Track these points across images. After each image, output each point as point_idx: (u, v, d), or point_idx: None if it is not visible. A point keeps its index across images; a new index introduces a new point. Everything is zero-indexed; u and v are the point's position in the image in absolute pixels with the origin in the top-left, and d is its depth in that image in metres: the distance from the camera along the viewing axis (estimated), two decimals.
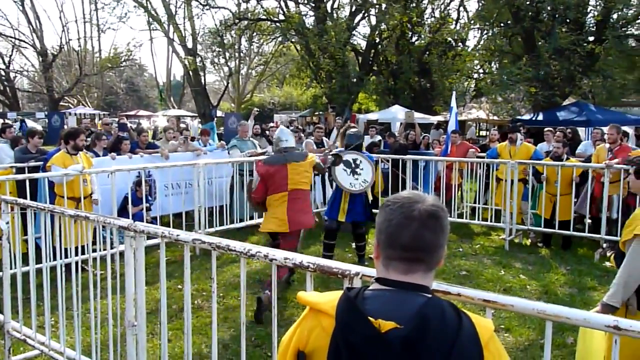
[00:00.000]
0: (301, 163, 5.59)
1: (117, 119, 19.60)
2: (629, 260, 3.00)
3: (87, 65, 34.56)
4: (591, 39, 20.06)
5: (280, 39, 25.29)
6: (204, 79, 26.44)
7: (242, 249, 2.48)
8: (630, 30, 22.04)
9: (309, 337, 1.29)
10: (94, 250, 4.31)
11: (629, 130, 14.11)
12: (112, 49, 35.95)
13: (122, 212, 6.78)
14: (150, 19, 25.29)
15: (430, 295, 1.25)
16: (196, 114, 29.28)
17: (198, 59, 25.27)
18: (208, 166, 7.47)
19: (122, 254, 3.19)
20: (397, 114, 18.95)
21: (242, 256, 2.51)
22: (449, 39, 23.20)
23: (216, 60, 28.15)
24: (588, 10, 21.30)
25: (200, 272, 6.24)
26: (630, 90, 23.77)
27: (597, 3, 21.26)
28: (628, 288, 3.00)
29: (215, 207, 7.69)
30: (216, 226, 7.57)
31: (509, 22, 21.60)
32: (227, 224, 7.73)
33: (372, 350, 1.16)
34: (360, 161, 6.79)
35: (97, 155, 7.70)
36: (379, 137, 11.85)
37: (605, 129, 7.85)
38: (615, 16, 21.00)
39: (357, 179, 6.68)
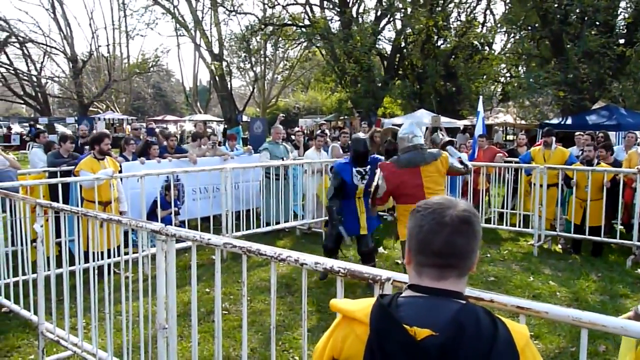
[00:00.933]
0: (434, 163, 4.91)
1: (145, 124, 19.94)
2: None
3: (115, 71, 35.24)
4: (621, 41, 19.66)
5: (305, 44, 25.42)
6: (230, 84, 26.70)
7: (273, 253, 2.50)
8: None
9: (343, 344, 1.29)
10: (126, 254, 4.39)
11: None
12: (140, 55, 36.62)
13: (151, 215, 6.88)
14: (178, 25, 25.69)
15: (464, 302, 1.24)
16: (222, 119, 29.57)
17: (224, 64, 25.55)
18: (235, 170, 7.54)
19: (152, 256, 3.24)
20: (422, 118, 18.86)
21: (272, 260, 2.53)
22: (475, 42, 23.03)
23: (242, 65, 28.42)
24: (618, 13, 20.89)
25: (228, 276, 6.28)
26: None
27: (628, 5, 20.83)
28: None
29: (242, 211, 7.75)
30: (243, 230, 7.62)
31: (536, 25, 21.31)
32: (253, 228, 7.79)
33: (408, 358, 1.16)
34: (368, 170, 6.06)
35: (127, 160, 7.84)
36: None
37: (639, 133, 7.69)
38: None
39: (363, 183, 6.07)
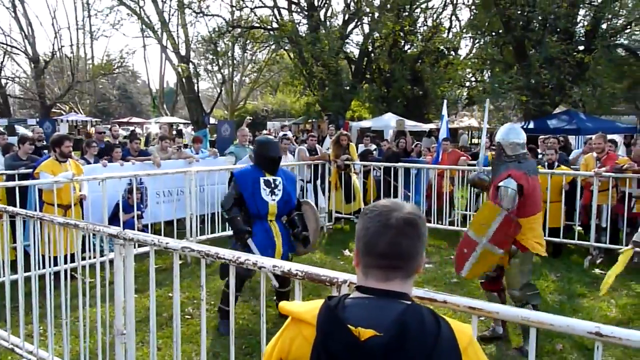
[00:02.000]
0: None
1: (109, 126, 19.59)
2: None
3: (79, 72, 34.49)
4: (581, 48, 20.27)
5: (273, 46, 25.40)
6: (197, 87, 26.47)
7: (231, 257, 2.49)
8: (619, 40, 22.31)
9: (291, 346, 1.30)
10: (84, 258, 4.30)
11: (618, 138, 14.26)
12: (104, 56, 35.94)
13: (114, 219, 6.76)
14: (144, 26, 25.33)
15: (409, 302, 1.26)
16: (189, 121, 29.26)
17: (191, 66, 25.31)
18: (200, 173, 7.48)
19: (112, 261, 3.19)
20: (389, 121, 19.06)
21: (231, 264, 2.52)
22: (441, 47, 23.38)
23: (209, 67, 28.20)
24: (578, 20, 21.53)
25: (192, 280, 6.22)
26: (620, 99, 23.99)
27: (587, 13, 21.50)
28: None
29: (208, 214, 7.69)
30: (208, 234, 7.56)
31: (500, 31, 21.78)
32: (219, 232, 7.72)
33: (352, 359, 1.17)
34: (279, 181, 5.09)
35: (88, 163, 7.69)
36: (374, 146, 11.91)
37: (617, 137, 7.93)
38: (604, 26, 21.25)
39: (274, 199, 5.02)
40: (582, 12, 21.55)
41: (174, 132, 24.58)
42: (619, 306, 5.64)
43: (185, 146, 11.93)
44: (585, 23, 21.42)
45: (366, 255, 1.30)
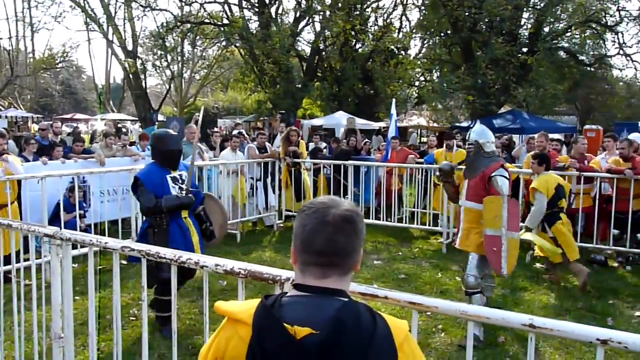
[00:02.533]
0: None
1: (51, 123, 18.86)
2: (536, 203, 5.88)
3: (19, 65, 32.99)
4: (524, 50, 21.01)
5: (224, 43, 25.09)
6: (145, 82, 25.85)
7: (172, 256, 2.43)
8: (560, 43, 23.25)
9: (227, 346, 1.28)
10: (21, 260, 4.11)
11: (560, 137, 14.83)
12: (46, 50, 34.51)
13: (55, 219, 6.51)
14: (88, 20, 24.52)
15: (346, 299, 1.26)
16: (137, 118, 28.54)
17: (138, 62, 24.69)
18: None
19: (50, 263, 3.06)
20: (341, 120, 19.16)
21: (172, 263, 2.46)
22: (392, 47, 23.68)
23: (158, 63, 27.57)
24: (522, 23, 22.31)
25: (137, 281, 6.05)
26: (561, 99, 25.01)
27: (530, 16, 22.29)
28: (536, 218, 5.77)
29: None
30: None
31: (448, 32, 22.31)
32: None
33: (288, 358, 1.16)
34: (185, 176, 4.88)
35: (27, 160, 7.38)
36: (324, 144, 11.94)
37: (535, 136, 8.22)
38: (546, 29, 22.10)
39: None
40: (525, 15, 22.34)
41: (114, 130, 23.94)
42: (558, 298, 5.86)
43: (132, 144, 11.63)
44: (529, 26, 22.23)
45: (303, 253, 1.29)
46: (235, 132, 11.45)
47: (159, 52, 24.94)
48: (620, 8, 21.85)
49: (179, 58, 27.79)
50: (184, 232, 4.77)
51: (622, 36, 23.04)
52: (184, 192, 4.70)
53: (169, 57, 26.66)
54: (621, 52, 23.27)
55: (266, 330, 1.20)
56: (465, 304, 1.86)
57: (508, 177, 4.76)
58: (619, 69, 25.92)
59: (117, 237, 6.55)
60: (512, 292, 6.08)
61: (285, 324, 1.19)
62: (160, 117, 27.65)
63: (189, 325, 4.93)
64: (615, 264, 7.17)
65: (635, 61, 23.59)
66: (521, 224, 5.52)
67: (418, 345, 1.32)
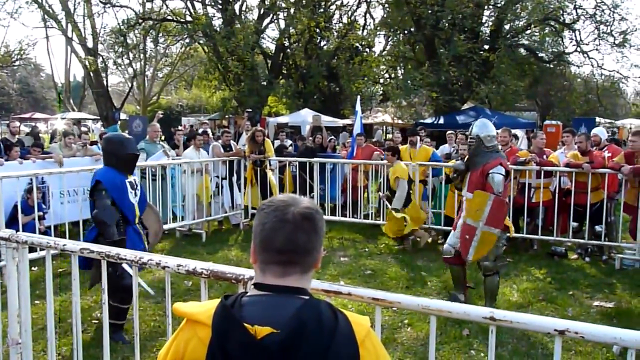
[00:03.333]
0: None
1: (8, 122, 18.28)
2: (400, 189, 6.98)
3: None
4: (486, 47, 21.40)
5: (187, 40, 24.75)
6: (106, 80, 25.28)
7: (134, 257, 2.38)
8: (521, 40, 23.77)
9: (186, 349, 1.25)
10: None
11: (520, 133, 15.19)
12: (2, 47, 33.38)
13: (13, 222, 6.30)
14: (46, 16, 23.82)
15: (307, 297, 1.25)
16: (98, 117, 27.91)
17: (99, 60, 24.12)
18: None
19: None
20: (306, 117, 19.16)
21: (133, 264, 2.41)
22: (356, 44, 23.79)
23: (119, 61, 26.98)
24: (483, 21, 22.72)
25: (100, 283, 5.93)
26: (522, 95, 25.58)
27: (491, 14, 22.72)
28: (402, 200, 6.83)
29: None
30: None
31: (411, 29, 22.54)
32: None
33: (248, 358, 1.15)
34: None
35: None
36: (289, 142, 11.91)
37: (518, 132, 8.36)
38: (507, 27, 22.56)
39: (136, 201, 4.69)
40: (486, 12, 22.77)
41: (83, 129, 23.37)
42: (520, 291, 5.98)
43: (94, 143, 11.36)
44: (490, 23, 22.64)
45: (263, 251, 1.28)
46: (200, 130, 11.31)
47: (120, 49, 24.42)
48: (577, 6, 22.46)
49: (141, 56, 27.27)
50: (141, 239, 4.62)
51: (579, 34, 23.65)
52: (136, 197, 4.59)
53: (130, 55, 26.15)
54: (578, 49, 23.91)
55: (226, 331, 1.18)
56: (427, 298, 1.88)
57: (505, 174, 5.09)
58: (577, 65, 26.54)
59: (78, 239, 6.39)
60: (477, 285, 6.17)
61: (245, 324, 1.17)
62: (123, 116, 27.09)
63: (153, 327, 4.85)
64: (575, 256, 7.36)
65: (592, 58, 24.27)
66: (390, 205, 7.36)
67: (380, 341, 1.32)
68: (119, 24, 23.72)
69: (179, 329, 1.31)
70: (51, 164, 7.63)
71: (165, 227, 7.96)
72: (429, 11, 20.16)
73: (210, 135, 11.85)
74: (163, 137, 10.09)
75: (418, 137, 8.69)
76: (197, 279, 2.31)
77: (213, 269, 2.16)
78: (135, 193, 4.61)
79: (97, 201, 4.38)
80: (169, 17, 23.28)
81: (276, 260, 1.27)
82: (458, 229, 5.35)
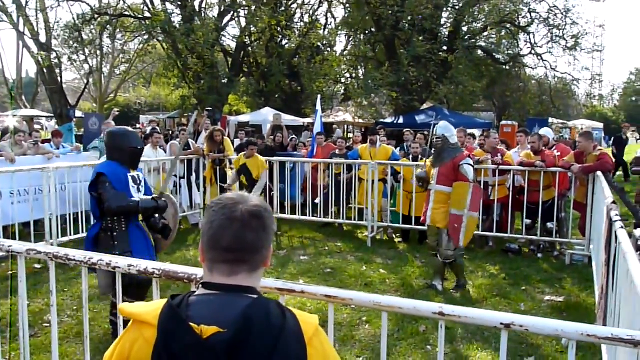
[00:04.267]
0: None
1: None
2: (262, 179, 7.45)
3: None
4: (445, 48, 21.76)
5: (146, 37, 24.24)
6: (61, 77, 24.50)
7: (83, 258, 2.32)
8: (478, 42, 24.28)
9: (131, 350, 1.23)
10: None
11: (478, 132, 15.50)
12: None
13: None
14: None
15: (256, 296, 1.25)
16: (52, 114, 27.06)
17: (53, 55, 23.36)
18: (60, 170, 6.94)
19: None
20: (268, 116, 19.04)
21: (82, 265, 2.36)
22: (318, 43, 23.80)
23: (74, 57, 26.20)
24: (442, 22, 23.10)
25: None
26: (479, 96, 26.14)
27: (450, 16, 23.12)
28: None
29: (70, 214, 7.17)
30: (71, 235, 7.06)
31: (372, 29, 22.72)
32: (83, 232, 7.22)
33: (193, 358, 1.13)
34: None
35: None
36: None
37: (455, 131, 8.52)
38: (464, 29, 23.01)
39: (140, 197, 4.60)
40: (445, 14, 23.15)
41: (36, 126, 22.65)
42: (476, 287, 6.12)
43: (46, 141, 11.02)
44: (449, 25, 23.04)
45: (211, 250, 1.27)
46: (148, 129, 11.10)
47: (75, 45, 23.70)
48: (531, 10, 23.07)
49: (98, 52, 26.58)
50: (145, 236, 4.54)
51: (534, 37, 24.31)
52: (140, 192, 4.49)
53: (86, 51, 25.43)
54: (533, 52, 24.57)
55: (172, 331, 1.16)
56: (379, 295, 1.90)
57: (473, 164, 5.92)
58: (532, 67, 27.27)
59: (29, 241, 6.19)
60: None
61: (191, 324, 1.16)
62: (79, 114, 26.37)
63: (107, 330, 4.74)
64: (528, 252, 7.58)
65: (545, 61, 24.97)
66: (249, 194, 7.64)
67: (329, 340, 1.32)
68: (73, 18, 22.98)
69: (125, 330, 1.29)
70: (1, 162, 7.37)
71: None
72: (389, 12, 20.34)
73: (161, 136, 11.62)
74: None
75: (378, 137, 8.77)
76: (162, 281, 2.26)
77: (165, 268, 2.13)
78: (139, 188, 4.52)
79: (104, 193, 4.24)
80: (126, 13, 22.71)
81: (224, 259, 1.25)
82: (428, 220, 6.02)
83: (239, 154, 9.61)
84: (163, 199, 4.55)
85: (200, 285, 1.29)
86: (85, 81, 28.20)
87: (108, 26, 22.67)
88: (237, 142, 10.77)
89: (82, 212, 7.29)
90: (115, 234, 4.34)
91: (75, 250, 2.42)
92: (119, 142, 4.48)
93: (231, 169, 9.24)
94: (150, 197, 4.48)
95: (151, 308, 1.24)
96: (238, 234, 1.24)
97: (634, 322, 2.26)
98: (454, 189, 5.78)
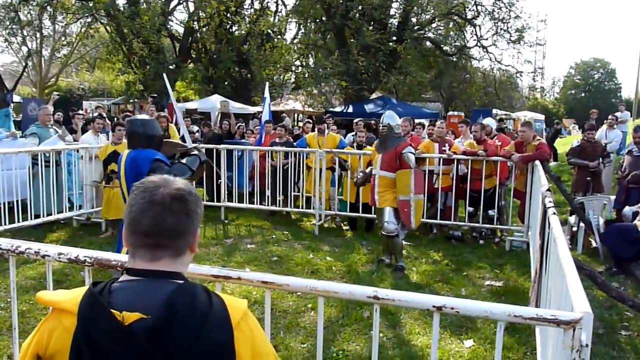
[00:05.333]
0: None
1: None
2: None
3: None
4: (394, 38, 22.01)
5: (88, 19, 23.34)
6: None
7: (9, 246, 2.22)
8: (427, 34, 24.68)
9: (50, 339, 1.18)
10: None
11: (425, 122, 15.78)
12: None
13: None
14: None
15: (181, 282, 1.22)
16: None
17: None
18: None
19: None
20: (216, 103, 18.73)
21: (9, 254, 2.25)
22: (268, 30, 23.58)
23: (12, 38, 24.99)
24: (391, 13, 23.32)
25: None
26: (427, 87, 26.62)
27: (399, 6, 23.36)
28: None
29: (4, 203, 6.85)
30: (5, 224, 6.76)
31: (323, 18, 22.69)
32: (19, 222, 6.94)
33: (115, 346, 1.10)
34: None
35: None
36: (196, 127, 11.62)
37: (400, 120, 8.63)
38: (413, 19, 23.32)
39: None
40: (395, 5, 23.37)
41: None
42: (420, 273, 6.26)
43: None
44: (398, 15, 23.28)
45: (131, 234, 1.23)
46: (95, 114, 10.75)
47: (11, 26, 22.59)
48: (477, 3, 23.62)
49: (37, 34, 25.44)
50: None
51: (480, 29, 24.92)
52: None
53: (24, 32, 24.30)
54: (479, 44, 25.21)
55: (92, 318, 1.12)
56: (314, 280, 1.90)
57: (414, 152, 6.29)
58: (477, 59, 27.98)
59: None
60: (378, 268, 6.38)
61: (113, 310, 1.12)
62: (17, 98, 25.20)
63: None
64: (470, 239, 7.80)
65: (490, 53, 25.69)
66: None
67: (258, 324, 1.31)
68: None
69: (43, 320, 1.24)
70: None
71: (61, 216, 7.56)
72: (340, 1, 20.38)
73: (107, 121, 11.28)
74: (61, 121, 9.48)
75: (326, 125, 8.79)
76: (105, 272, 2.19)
77: (97, 256, 2.06)
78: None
79: (172, 170, 4.36)
80: None
81: (144, 244, 1.22)
82: (376, 203, 6.37)
83: (183, 142, 9.42)
84: (194, 152, 4.88)
85: (125, 272, 1.25)
86: (24, 64, 26.95)
87: (47, 7, 21.70)
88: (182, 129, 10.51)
89: (17, 201, 6.98)
90: None
91: (3, 238, 2.30)
92: (150, 129, 4.53)
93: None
94: (187, 159, 4.72)
95: (71, 296, 1.20)
96: (157, 217, 1.20)
97: (561, 303, 2.36)
98: (398, 176, 6.13)
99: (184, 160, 4.69)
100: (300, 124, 25.37)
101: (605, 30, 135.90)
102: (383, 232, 6.36)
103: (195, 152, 4.84)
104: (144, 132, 4.49)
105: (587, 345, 1.60)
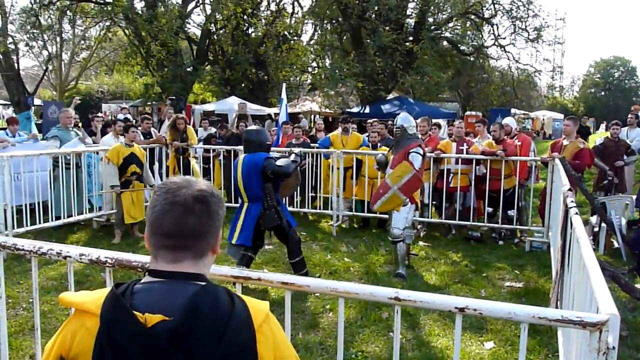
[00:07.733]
0: None
1: None
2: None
3: None
4: (410, 39, 21.91)
5: (107, 23, 23.63)
6: (18, 63, 23.73)
7: (32, 248, 2.24)
8: (443, 33, 24.52)
9: (73, 340, 1.18)
10: None
11: (443, 122, 15.70)
12: None
13: None
14: None
15: (204, 283, 1.21)
16: (9, 102, 26.19)
17: (9, 41, 22.58)
18: (15, 159, 6.71)
19: None
20: (233, 105, 18.85)
21: (32, 255, 2.27)
22: (284, 32, 23.64)
23: (32, 43, 25.38)
24: (408, 13, 23.22)
25: (7, 278, 5.58)
26: (444, 87, 26.42)
27: (415, 6, 23.25)
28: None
29: (26, 204, 6.95)
30: (27, 226, 6.85)
31: (339, 19, 22.67)
32: (40, 223, 7.04)
33: (137, 347, 1.10)
34: None
35: None
36: (213, 129, 11.66)
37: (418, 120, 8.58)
38: (430, 19, 23.19)
39: None
40: (411, 5, 23.26)
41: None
42: (439, 274, 6.20)
43: (2, 129, 10.66)
44: (414, 15, 23.16)
45: (153, 236, 1.22)
46: (120, 116, 10.87)
47: (32, 30, 22.96)
48: (495, 1, 23.41)
49: (57, 38, 25.81)
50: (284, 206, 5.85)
51: (497, 28, 24.70)
52: None
53: (45, 36, 24.67)
54: (496, 43, 24.97)
55: (114, 320, 1.12)
56: (335, 281, 1.89)
57: (422, 153, 6.08)
58: (495, 59, 27.73)
59: None
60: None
61: (135, 312, 1.12)
62: (37, 102, 25.60)
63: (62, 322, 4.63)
64: (490, 240, 7.72)
65: (508, 52, 25.43)
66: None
67: (280, 326, 1.30)
68: (30, 2, 22.28)
69: (66, 321, 1.24)
70: None
71: (81, 217, 7.65)
72: (356, 1, 20.34)
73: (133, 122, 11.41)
74: (80, 124, 9.61)
75: (350, 125, 8.86)
76: (123, 272, 2.20)
77: (118, 257, 2.07)
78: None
79: (280, 168, 5.38)
80: None
81: (165, 245, 1.22)
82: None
83: (205, 144, 9.49)
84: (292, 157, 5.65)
85: (147, 273, 1.25)
86: (44, 68, 27.36)
87: (67, 11, 22.03)
88: (201, 130, 10.61)
89: (39, 203, 7.07)
90: (277, 208, 5.50)
91: (24, 239, 2.33)
92: (262, 137, 5.61)
93: (195, 157, 9.11)
94: (284, 161, 5.52)
95: (94, 297, 1.20)
96: (179, 219, 1.20)
97: (585, 305, 2.32)
98: (399, 166, 6.01)
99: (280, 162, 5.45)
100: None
101: (625, 28, 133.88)
102: (389, 237, 6.28)
103: (293, 156, 5.63)
104: (257, 139, 5.55)
105: (614, 348, 1.57)
